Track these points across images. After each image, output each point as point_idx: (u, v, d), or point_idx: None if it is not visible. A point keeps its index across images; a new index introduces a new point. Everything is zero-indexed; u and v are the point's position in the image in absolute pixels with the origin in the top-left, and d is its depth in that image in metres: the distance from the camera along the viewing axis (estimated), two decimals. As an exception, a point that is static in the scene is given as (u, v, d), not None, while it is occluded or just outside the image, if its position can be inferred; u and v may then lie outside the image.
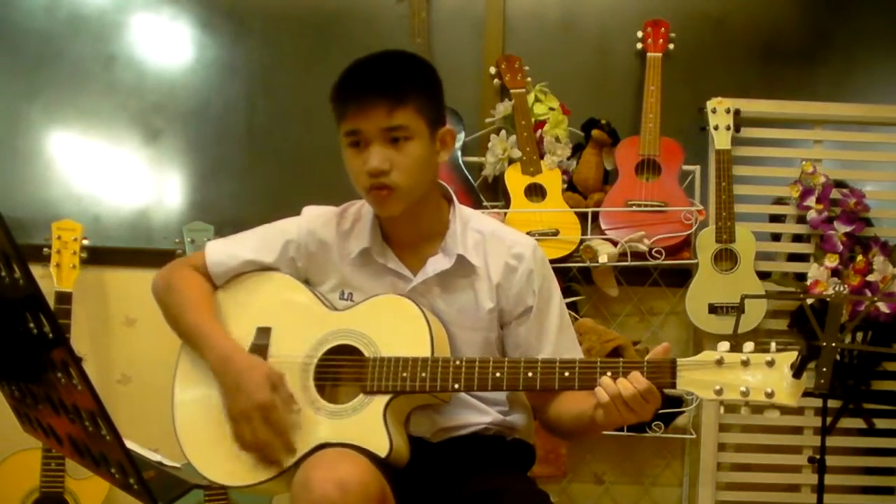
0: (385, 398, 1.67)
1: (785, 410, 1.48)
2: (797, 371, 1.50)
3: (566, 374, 1.63)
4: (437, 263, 1.78)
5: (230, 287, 1.87)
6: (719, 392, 1.54)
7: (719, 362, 1.55)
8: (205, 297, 1.84)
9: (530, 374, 1.65)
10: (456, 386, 1.66)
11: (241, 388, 1.67)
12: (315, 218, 1.87)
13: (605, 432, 2.60)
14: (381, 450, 1.62)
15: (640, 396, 1.54)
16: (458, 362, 1.67)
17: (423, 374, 1.67)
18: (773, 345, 1.56)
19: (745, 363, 1.54)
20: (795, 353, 1.52)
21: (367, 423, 1.66)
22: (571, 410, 1.71)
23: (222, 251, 1.88)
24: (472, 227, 1.82)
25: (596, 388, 1.58)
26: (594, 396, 1.59)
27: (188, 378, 1.82)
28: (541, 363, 1.65)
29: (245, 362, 1.71)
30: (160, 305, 1.88)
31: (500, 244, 1.81)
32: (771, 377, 1.52)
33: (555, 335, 1.81)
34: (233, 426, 1.70)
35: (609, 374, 1.58)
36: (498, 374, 1.66)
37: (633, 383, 1.55)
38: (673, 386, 1.56)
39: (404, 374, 1.67)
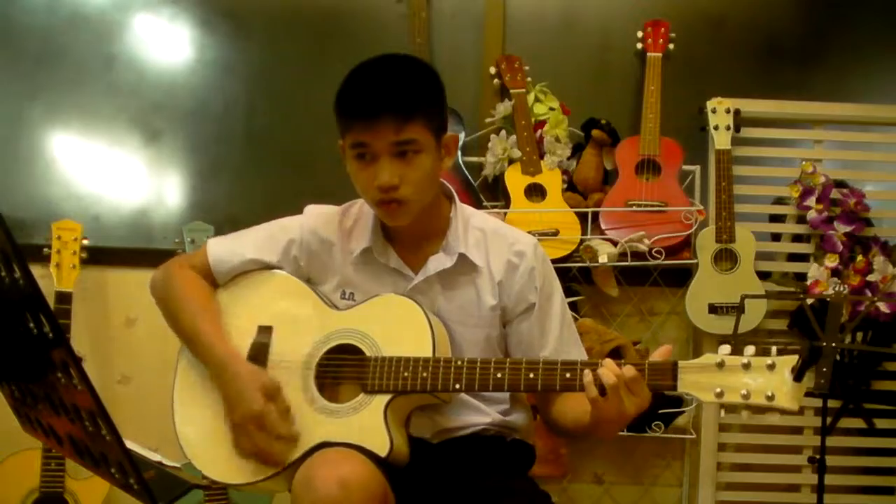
0: (386, 397, 1.67)
1: (785, 411, 1.48)
2: (798, 375, 1.50)
3: (567, 375, 1.62)
4: (439, 262, 1.78)
5: (232, 285, 1.87)
6: (720, 395, 1.53)
7: (720, 365, 1.55)
8: (204, 299, 1.83)
9: (532, 375, 1.64)
10: (457, 386, 1.66)
11: (237, 397, 1.68)
12: (317, 217, 1.87)
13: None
14: (382, 449, 1.62)
15: (625, 385, 1.53)
16: (459, 362, 1.67)
17: (425, 374, 1.66)
18: (773, 349, 1.55)
19: (746, 366, 1.54)
20: (796, 357, 1.52)
21: (367, 423, 1.66)
22: (574, 411, 1.71)
23: (225, 249, 1.87)
24: (473, 225, 1.83)
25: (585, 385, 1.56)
26: None
27: (188, 376, 1.82)
28: (542, 364, 1.65)
29: (241, 371, 1.70)
30: (159, 304, 1.88)
31: (502, 242, 1.82)
32: (772, 381, 1.52)
33: (557, 332, 1.81)
34: (232, 434, 1.70)
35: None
36: (499, 375, 1.65)
37: (619, 373, 1.53)
38: (674, 388, 1.56)
39: (405, 374, 1.67)
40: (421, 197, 1.72)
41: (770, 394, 1.51)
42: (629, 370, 1.54)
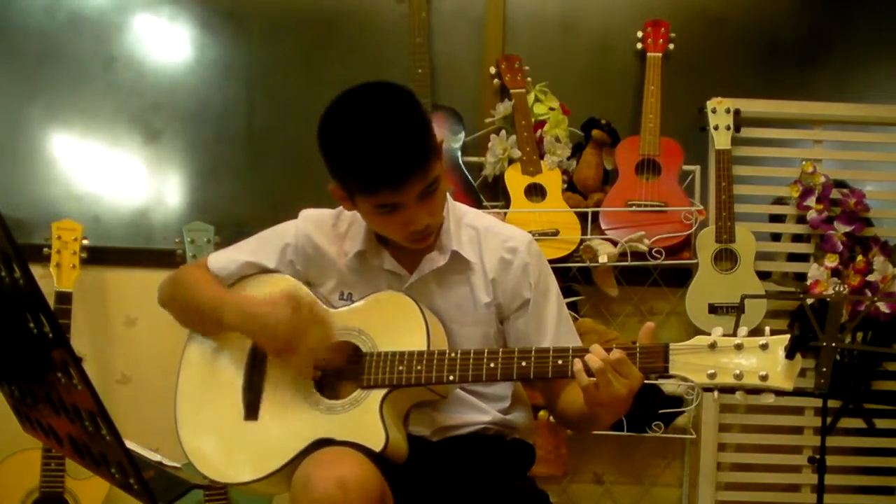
0: (382, 392, 1.68)
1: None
2: (790, 352, 1.48)
3: (559, 361, 1.63)
4: (433, 260, 1.79)
5: (233, 288, 1.87)
6: (712, 376, 1.52)
7: (712, 346, 1.54)
8: (212, 280, 1.85)
9: (524, 364, 1.65)
10: (451, 377, 1.67)
11: (273, 325, 1.68)
12: (311, 221, 1.88)
13: (605, 432, 2.61)
14: (377, 444, 1.63)
15: (612, 367, 1.54)
16: (452, 354, 1.68)
17: (419, 367, 1.67)
18: (767, 329, 1.55)
19: (739, 347, 1.52)
20: (789, 337, 1.50)
21: (363, 418, 1.67)
22: (578, 400, 1.71)
23: (224, 258, 1.90)
24: (466, 223, 1.84)
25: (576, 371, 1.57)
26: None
27: (192, 375, 1.83)
28: (535, 352, 1.66)
29: (259, 304, 1.72)
30: (170, 303, 1.88)
31: (495, 239, 1.82)
32: (765, 360, 1.51)
33: (553, 327, 1.82)
34: (288, 364, 1.70)
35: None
36: (492, 365, 1.66)
37: (604, 356, 1.54)
38: (665, 370, 1.55)
39: (400, 368, 1.68)
40: (441, 217, 1.75)
41: (763, 374, 1.50)
42: (615, 353, 1.55)
